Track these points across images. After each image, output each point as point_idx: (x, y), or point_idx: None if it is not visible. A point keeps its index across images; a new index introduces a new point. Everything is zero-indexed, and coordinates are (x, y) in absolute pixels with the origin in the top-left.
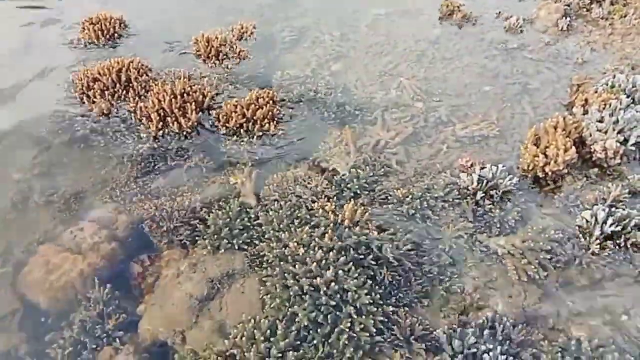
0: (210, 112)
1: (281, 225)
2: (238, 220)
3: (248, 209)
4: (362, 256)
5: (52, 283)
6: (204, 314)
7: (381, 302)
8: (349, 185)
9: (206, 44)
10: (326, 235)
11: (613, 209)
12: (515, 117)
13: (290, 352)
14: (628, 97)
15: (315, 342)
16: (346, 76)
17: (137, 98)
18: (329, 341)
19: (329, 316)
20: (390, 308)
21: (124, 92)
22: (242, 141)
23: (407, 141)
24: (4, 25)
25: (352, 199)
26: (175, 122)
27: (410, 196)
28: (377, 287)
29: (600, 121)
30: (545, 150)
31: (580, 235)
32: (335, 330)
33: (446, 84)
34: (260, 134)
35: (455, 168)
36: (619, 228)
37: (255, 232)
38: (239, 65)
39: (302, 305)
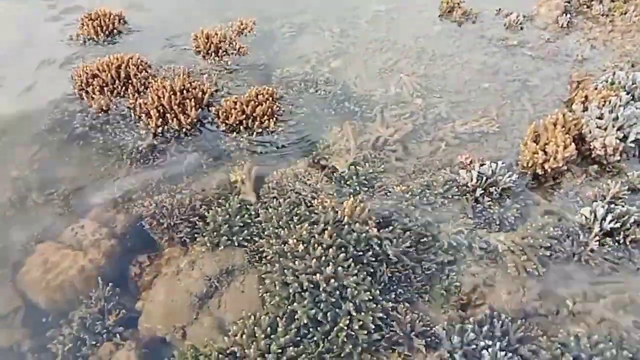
0: (210, 108)
1: (280, 222)
2: (238, 217)
3: (248, 206)
4: (361, 253)
5: (49, 282)
6: (204, 311)
7: (380, 299)
8: (348, 182)
9: (206, 40)
10: (326, 232)
11: (612, 206)
12: (515, 113)
13: (290, 348)
14: (628, 94)
15: (315, 338)
16: (346, 73)
17: (136, 94)
18: (329, 338)
19: (328, 314)
20: (390, 304)
21: (124, 88)
22: (242, 138)
23: (406, 138)
24: (3, 19)
25: (351, 196)
26: (175, 119)
27: (409, 192)
28: (376, 283)
29: (600, 118)
30: (544, 147)
31: (580, 232)
32: (335, 328)
33: (446, 81)
34: (260, 130)
35: (454, 165)
36: (618, 225)
37: (255, 228)
38: (238, 61)
39: (302, 303)
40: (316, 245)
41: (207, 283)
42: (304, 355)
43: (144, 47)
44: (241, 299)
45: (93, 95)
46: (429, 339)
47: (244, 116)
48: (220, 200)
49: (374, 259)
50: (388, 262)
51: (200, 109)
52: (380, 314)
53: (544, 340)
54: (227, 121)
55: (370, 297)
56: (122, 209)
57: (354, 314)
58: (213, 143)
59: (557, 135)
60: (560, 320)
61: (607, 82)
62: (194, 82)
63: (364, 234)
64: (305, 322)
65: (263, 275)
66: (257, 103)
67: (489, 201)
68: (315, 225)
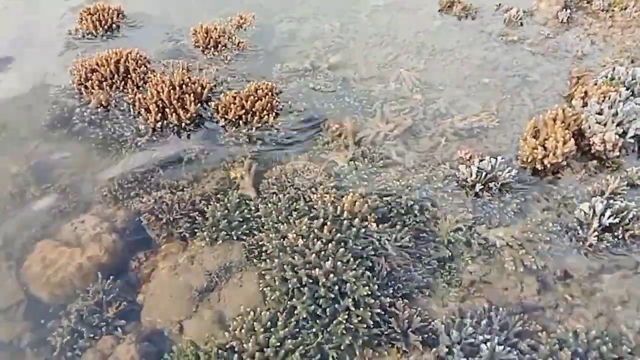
0: (209, 103)
1: (280, 217)
2: (237, 212)
3: (247, 201)
4: (361, 247)
5: (49, 277)
6: (204, 304)
7: (379, 294)
8: (348, 177)
9: (205, 34)
10: (325, 226)
11: (611, 201)
12: (515, 108)
13: (289, 341)
14: (627, 89)
15: (314, 330)
16: (345, 68)
17: (135, 89)
18: (328, 329)
19: (327, 309)
20: (388, 300)
21: (123, 83)
22: (241, 133)
23: (406, 133)
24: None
25: (351, 191)
26: (174, 114)
27: (409, 187)
28: (375, 278)
29: (600, 113)
30: (544, 142)
31: (579, 227)
32: (334, 322)
33: (446, 76)
34: (259, 125)
35: (454, 160)
36: (617, 220)
37: (255, 223)
38: (237, 56)
39: (301, 298)
40: (316, 239)
41: (207, 278)
42: (301, 347)
43: (143, 42)
44: (240, 295)
45: (92, 90)
46: (426, 335)
47: (244, 111)
48: (219, 196)
49: (373, 254)
50: (387, 257)
51: (199, 104)
52: (379, 310)
53: (543, 335)
54: (226, 116)
55: (369, 292)
56: (122, 205)
57: (353, 309)
58: (212, 138)
59: (557, 131)
60: (559, 314)
61: (606, 77)
62: (193, 76)
63: (363, 229)
64: (304, 316)
65: (263, 272)
66: (256, 98)
67: (488, 196)
68: (315, 220)
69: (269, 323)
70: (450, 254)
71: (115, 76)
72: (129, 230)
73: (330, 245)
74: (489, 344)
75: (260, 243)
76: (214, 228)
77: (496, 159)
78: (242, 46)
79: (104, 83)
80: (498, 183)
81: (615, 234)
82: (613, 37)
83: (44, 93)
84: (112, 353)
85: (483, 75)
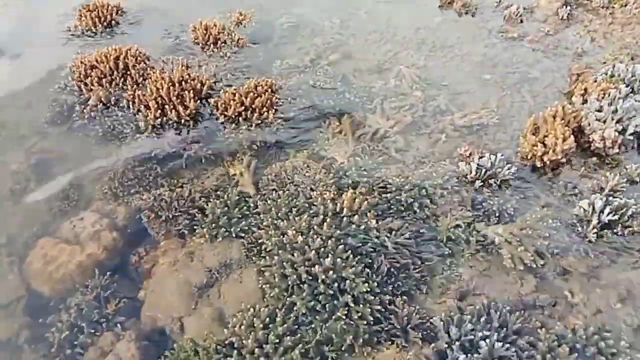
0: (209, 100)
1: (279, 214)
2: (237, 209)
3: (247, 198)
4: (360, 244)
5: (51, 273)
6: (203, 300)
7: (378, 291)
8: (347, 174)
9: (204, 31)
10: (325, 223)
11: (611, 198)
12: (515, 105)
13: (288, 337)
14: (627, 86)
15: (313, 326)
16: (345, 64)
17: (135, 86)
18: (327, 325)
19: (326, 305)
20: (387, 297)
21: (122, 80)
22: (241, 129)
23: (406, 130)
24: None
25: (351, 188)
26: (174, 111)
27: (409, 184)
28: (374, 275)
29: (599, 110)
30: (544, 139)
31: (578, 224)
32: (333, 317)
33: (446, 73)
34: (259, 122)
35: (454, 157)
36: (616, 217)
37: (254, 220)
38: (237, 53)
39: (301, 294)
40: (315, 236)
41: (207, 274)
42: (300, 345)
43: (142, 39)
44: (240, 291)
45: (91, 87)
46: (426, 332)
47: (243, 108)
48: (218, 193)
49: (372, 250)
50: (386, 254)
51: (199, 101)
52: (378, 307)
53: (542, 332)
54: (226, 113)
55: (369, 289)
56: (122, 202)
57: (352, 305)
58: (212, 135)
59: (557, 128)
60: (558, 311)
61: (606, 74)
62: (192, 73)
63: (363, 226)
64: (304, 312)
65: (262, 268)
66: (256, 94)
67: (488, 193)
68: (314, 217)
69: (267, 319)
70: (449, 250)
71: (115, 73)
72: (129, 228)
73: (329, 242)
74: (487, 340)
75: (259, 240)
76: (213, 225)
77: (496, 155)
78: (242, 43)
79: (104, 80)
80: (498, 180)
81: (615, 230)
82: (613, 34)
83: (44, 90)
84: (112, 350)
85: (483, 72)
